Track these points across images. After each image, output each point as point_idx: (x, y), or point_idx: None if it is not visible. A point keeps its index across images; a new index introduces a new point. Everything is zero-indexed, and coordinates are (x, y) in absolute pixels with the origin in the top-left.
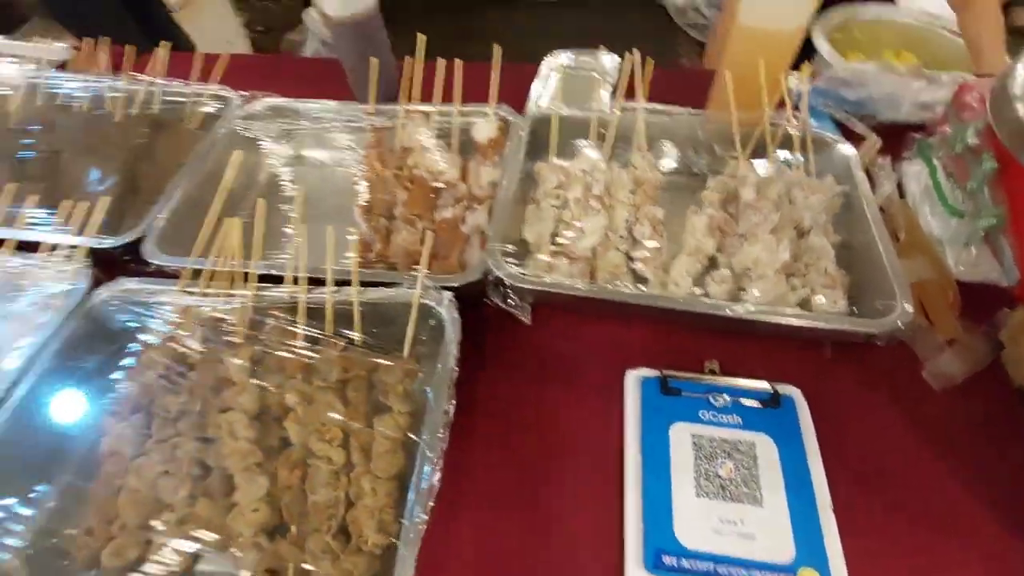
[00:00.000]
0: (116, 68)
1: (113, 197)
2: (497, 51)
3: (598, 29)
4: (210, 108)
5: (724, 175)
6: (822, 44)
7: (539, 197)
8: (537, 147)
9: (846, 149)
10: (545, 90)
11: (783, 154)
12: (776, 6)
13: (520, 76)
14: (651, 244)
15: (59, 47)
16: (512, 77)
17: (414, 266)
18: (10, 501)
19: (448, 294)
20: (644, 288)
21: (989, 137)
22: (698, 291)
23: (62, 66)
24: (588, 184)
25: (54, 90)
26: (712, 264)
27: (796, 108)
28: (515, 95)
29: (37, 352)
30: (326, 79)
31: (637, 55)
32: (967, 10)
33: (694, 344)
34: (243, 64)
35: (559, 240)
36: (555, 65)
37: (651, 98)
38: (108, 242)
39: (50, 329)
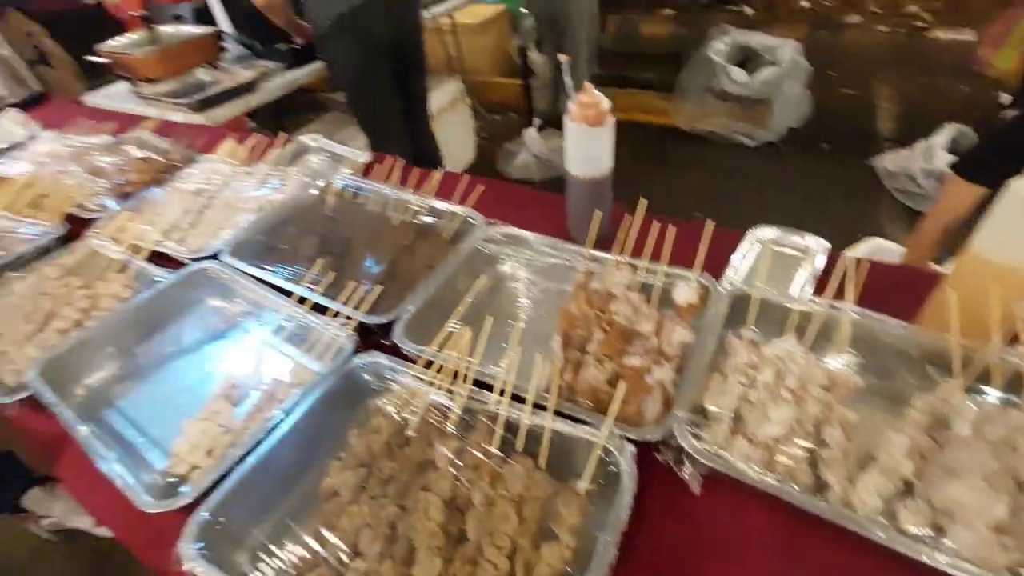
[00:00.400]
0: (402, 180)
1: (378, 283)
2: (709, 225)
3: (800, 179)
4: (461, 226)
5: (934, 397)
6: None
7: (727, 370)
8: (733, 318)
9: None
10: (745, 261)
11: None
12: (1017, 241)
13: (723, 242)
14: (839, 449)
15: (364, 155)
16: (714, 242)
17: (596, 402)
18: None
19: (631, 447)
20: (823, 495)
21: None
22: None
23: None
24: (781, 371)
25: (357, 190)
26: (907, 489)
27: None
28: (716, 259)
29: (305, 394)
30: (548, 211)
31: (852, 259)
32: None
33: (865, 564)
34: (490, 188)
35: (741, 417)
36: (759, 238)
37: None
38: (372, 320)
39: (320, 379)
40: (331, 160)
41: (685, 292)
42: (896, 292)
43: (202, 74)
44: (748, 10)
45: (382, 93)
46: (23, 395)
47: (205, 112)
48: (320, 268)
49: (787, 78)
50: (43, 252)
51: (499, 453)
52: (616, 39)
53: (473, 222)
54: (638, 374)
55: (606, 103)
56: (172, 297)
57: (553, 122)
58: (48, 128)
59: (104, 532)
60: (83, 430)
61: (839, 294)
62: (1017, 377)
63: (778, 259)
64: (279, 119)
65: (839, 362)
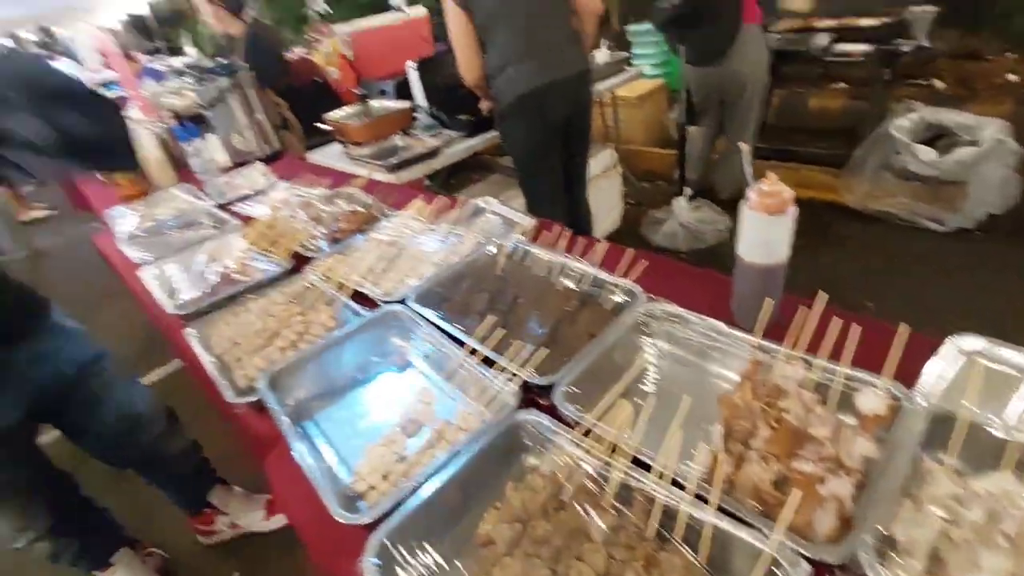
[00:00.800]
0: (568, 248)
1: (542, 345)
2: (904, 329)
3: (1004, 274)
4: (623, 298)
5: None
6: None
7: (924, 498)
8: (929, 440)
9: None
10: (944, 373)
11: None
12: None
13: (916, 347)
14: None
15: (532, 220)
16: (905, 348)
17: (760, 503)
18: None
19: (807, 567)
20: None
21: None
22: None
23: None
24: (994, 512)
25: (525, 253)
26: None
27: None
28: (905, 365)
29: (472, 440)
30: (710, 290)
31: None
32: None
33: None
34: (652, 262)
35: (940, 558)
36: (962, 348)
37: None
38: (536, 380)
39: (486, 428)
40: (503, 222)
41: (871, 400)
42: None
43: (398, 140)
44: (939, 84)
45: (549, 167)
46: (253, 398)
47: (397, 173)
48: (490, 324)
49: (988, 159)
50: (273, 281)
51: (656, 542)
52: (780, 112)
53: (635, 295)
54: (810, 481)
55: (788, 192)
56: (366, 332)
57: (702, 193)
58: (282, 179)
59: (272, 525)
60: (295, 436)
61: None
62: None
63: (988, 375)
64: (449, 178)
65: None
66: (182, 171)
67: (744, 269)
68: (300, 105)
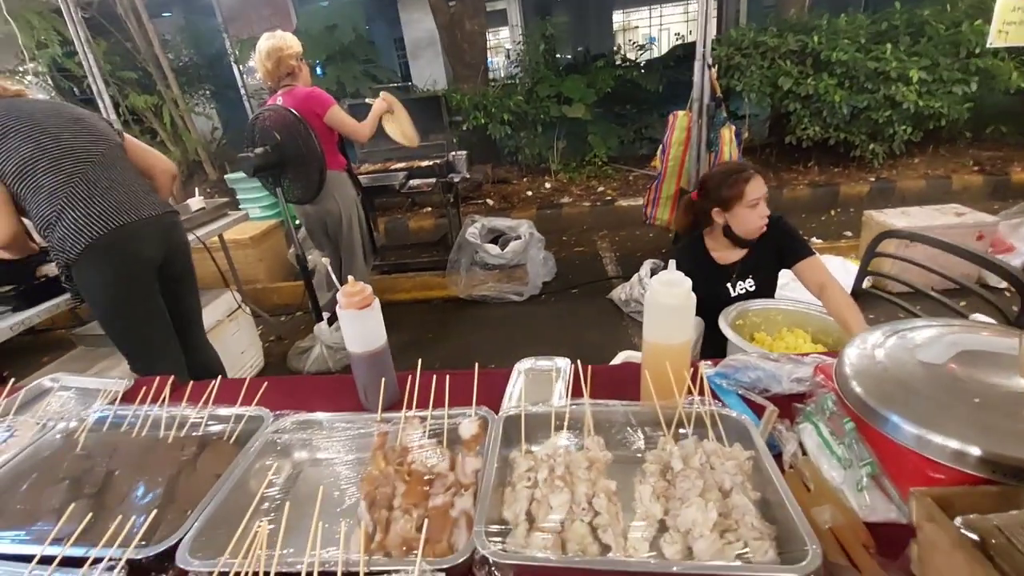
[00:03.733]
0: (173, 395)
1: (155, 509)
2: (476, 368)
3: (560, 320)
4: (249, 425)
5: (658, 450)
6: (728, 331)
7: (515, 480)
8: (511, 438)
9: (743, 419)
10: (515, 389)
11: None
12: (666, 330)
13: (497, 379)
14: (608, 514)
15: (119, 382)
16: (490, 381)
17: (410, 550)
18: None
19: None
20: (608, 555)
21: (842, 403)
22: (654, 553)
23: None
24: (552, 467)
25: (117, 420)
26: (663, 527)
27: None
28: (493, 394)
29: None
30: (340, 393)
31: (579, 365)
32: (824, 296)
33: None
34: (279, 384)
35: (532, 515)
36: (522, 369)
37: (596, 393)
38: (145, 552)
39: None
40: (78, 396)
41: (468, 427)
42: (625, 382)
43: None
44: (490, 201)
45: (147, 313)
46: None
47: None
48: (70, 516)
49: (530, 247)
50: None
51: None
52: (389, 234)
53: (262, 418)
54: (441, 511)
55: (368, 289)
56: None
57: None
58: None
59: None
60: None
61: (579, 394)
62: (700, 418)
63: (539, 380)
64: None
65: (591, 444)
66: None
67: (356, 360)
68: None
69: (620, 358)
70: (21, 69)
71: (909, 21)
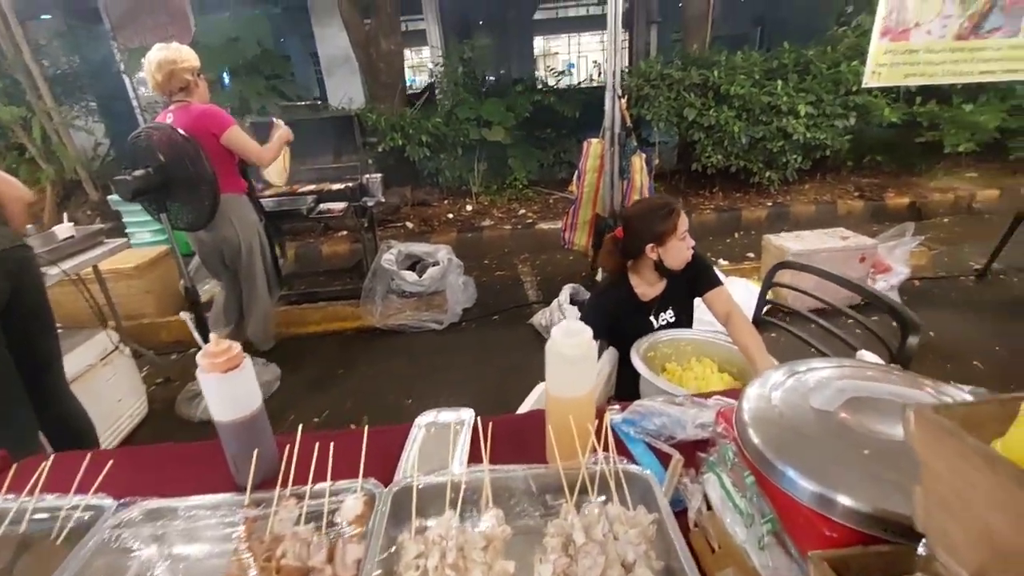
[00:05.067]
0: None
1: None
2: (365, 429)
3: (480, 349)
4: (85, 517)
5: (560, 520)
6: (639, 365)
7: (400, 571)
8: (401, 516)
9: (648, 476)
10: (412, 451)
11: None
12: (568, 381)
13: (393, 438)
14: None
15: None
16: (385, 441)
17: None
18: None
19: None
20: None
21: (742, 454)
22: None
23: None
24: (444, 551)
25: None
26: None
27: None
28: (388, 458)
29: None
30: (212, 463)
31: (480, 421)
32: (729, 325)
33: None
34: (131, 457)
35: None
36: (422, 424)
37: (499, 450)
38: None
39: None
40: None
41: (351, 506)
42: (532, 435)
43: None
44: (410, 224)
45: None
46: None
47: None
48: None
49: (448, 273)
50: None
51: None
52: (299, 260)
53: (102, 508)
54: None
55: (236, 348)
56: None
57: (244, 349)
58: None
59: None
60: None
61: (479, 457)
62: (604, 478)
63: (439, 438)
64: None
65: (489, 518)
66: None
67: (223, 429)
68: None
69: (538, 390)
70: None
71: (796, 60)
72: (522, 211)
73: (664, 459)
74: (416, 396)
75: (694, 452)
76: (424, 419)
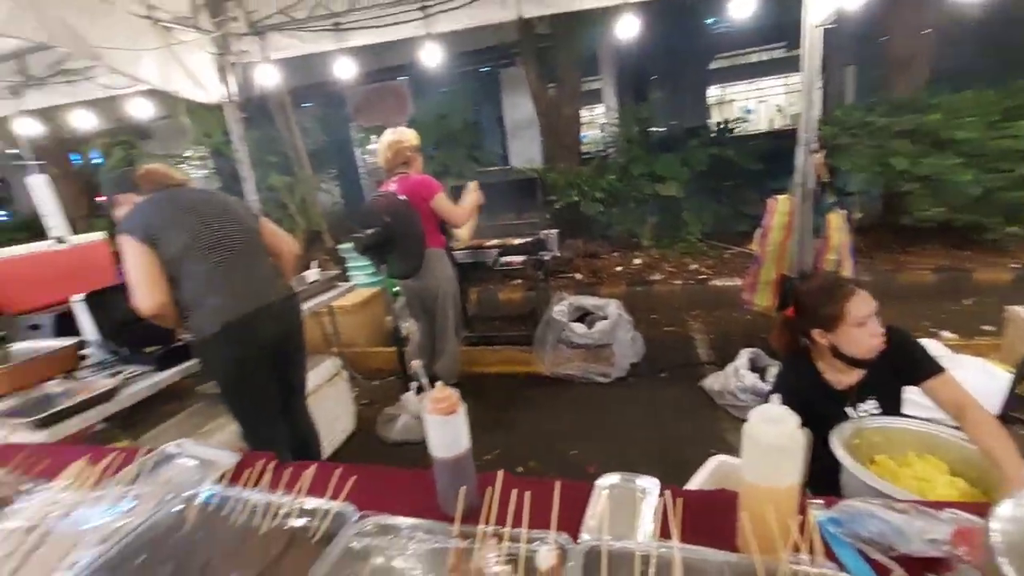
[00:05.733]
0: (273, 482)
1: None
2: (557, 485)
3: (647, 407)
4: (333, 524)
5: None
6: (843, 456)
7: None
8: (592, 573)
9: None
10: (596, 510)
11: None
12: (769, 472)
13: (578, 494)
14: None
15: (233, 456)
16: (570, 496)
17: None
18: None
19: None
20: None
21: None
22: None
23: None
24: None
25: (221, 502)
26: None
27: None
28: (573, 512)
29: None
30: (423, 489)
31: (669, 496)
32: (964, 421)
33: None
34: (363, 476)
35: None
36: (605, 485)
37: (686, 526)
38: None
39: None
40: (199, 465)
41: (545, 557)
42: (720, 515)
43: (53, 386)
44: (579, 276)
45: (261, 389)
46: None
47: (49, 428)
48: None
49: (618, 328)
50: None
51: None
52: (480, 305)
53: (345, 516)
54: None
55: (455, 395)
56: None
57: (431, 382)
58: None
59: None
60: None
61: (667, 531)
62: None
63: (623, 501)
64: (132, 416)
65: None
66: None
67: (438, 464)
68: None
69: (711, 463)
70: (186, 155)
71: None
72: (694, 266)
73: (880, 570)
74: (582, 449)
75: (922, 572)
76: (606, 481)
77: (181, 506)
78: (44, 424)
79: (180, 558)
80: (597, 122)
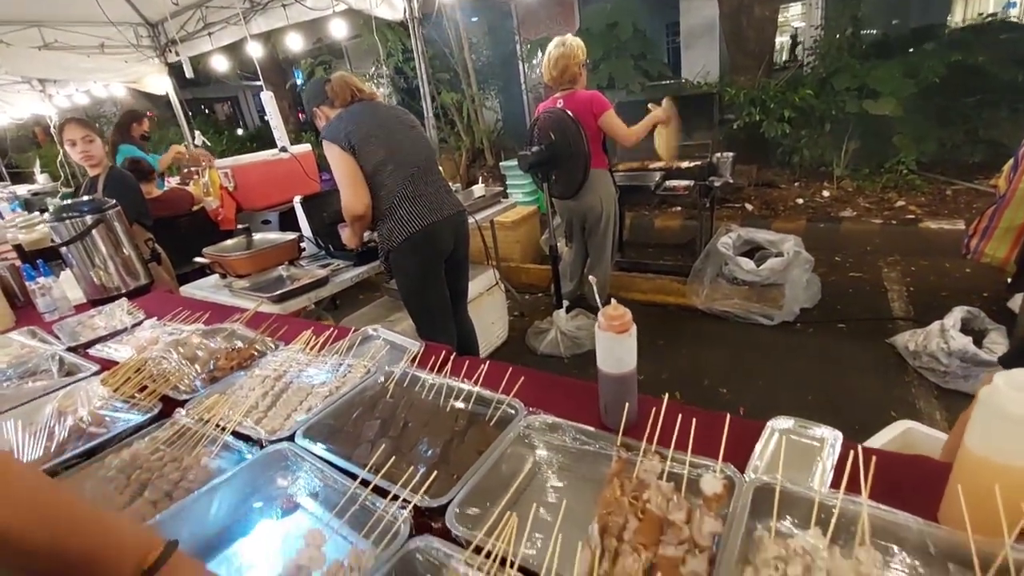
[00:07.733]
0: (454, 370)
1: (432, 467)
2: (728, 419)
3: (816, 358)
4: (506, 413)
5: None
6: None
7: (758, 564)
8: (757, 509)
9: None
10: (767, 451)
11: None
12: (1007, 446)
13: (746, 431)
14: None
15: (415, 344)
16: (736, 431)
17: None
18: None
19: None
20: None
21: None
22: None
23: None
24: (808, 565)
25: (413, 380)
26: None
27: None
28: (739, 448)
29: None
30: (582, 399)
31: (860, 449)
32: None
33: None
34: (529, 377)
35: None
36: (777, 428)
37: (875, 486)
38: (427, 503)
39: (378, 564)
40: (391, 348)
41: (711, 483)
42: (911, 483)
43: (282, 271)
44: (749, 207)
45: (437, 294)
46: None
47: (283, 303)
48: (381, 452)
49: (792, 267)
50: (139, 429)
51: None
52: (633, 230)
53: (517, 409)
54: (672, 563)
55: (628, 315)
56: (249, 475)
57: (578, 302)
58: (150, 316)
59: None
60: None
61: (853, 486)
62: None
63: (796, 449)
64: (335, 300)
65: (864, 557)
66: (23, 311)
67: (604, 378)
68: (174, 236)
69: (896, 428)
70: (372, 72)
71: None
72: (900, 202)
73: None
74: (733, 389)
75: None
76: (778, 424)
77: (382, 378)
78: (281, 299)
79: (385, 417)
80: (791, 24)
